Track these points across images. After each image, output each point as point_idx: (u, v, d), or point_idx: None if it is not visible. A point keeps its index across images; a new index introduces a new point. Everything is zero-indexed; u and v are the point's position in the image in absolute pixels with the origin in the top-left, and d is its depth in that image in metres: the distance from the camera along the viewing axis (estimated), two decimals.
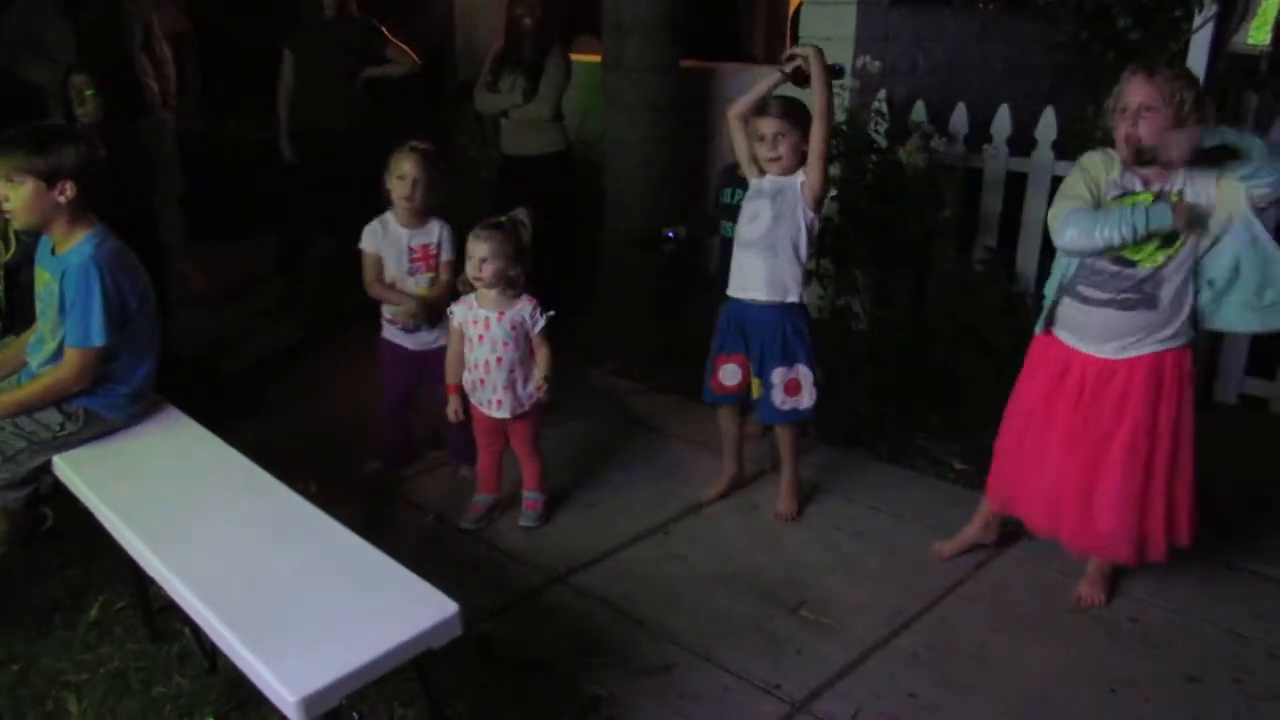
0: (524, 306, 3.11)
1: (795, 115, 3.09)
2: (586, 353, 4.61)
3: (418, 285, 3.43)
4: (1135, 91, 2.58)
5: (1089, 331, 2.73)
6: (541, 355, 3.16)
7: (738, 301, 3.24)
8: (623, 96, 4.72)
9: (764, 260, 3.13)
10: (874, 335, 4.49)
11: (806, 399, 3.22)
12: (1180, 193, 2.58)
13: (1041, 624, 2.83)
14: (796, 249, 3.13)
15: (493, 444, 3.30)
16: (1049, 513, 2.87)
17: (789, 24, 7.23)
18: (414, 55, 5.17)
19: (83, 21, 4.47)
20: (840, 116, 4.41)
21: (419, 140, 3.40)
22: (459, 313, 3.16)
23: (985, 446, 3.06)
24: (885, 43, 4.75)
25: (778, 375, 3.18)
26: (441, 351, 3.31)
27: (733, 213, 3.38)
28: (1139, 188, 2.65)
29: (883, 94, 4.53)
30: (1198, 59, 3.68)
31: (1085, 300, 2.72)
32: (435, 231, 3.44)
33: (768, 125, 3.08)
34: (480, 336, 3.12)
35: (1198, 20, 3.67)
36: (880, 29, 4.74)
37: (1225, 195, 2.54)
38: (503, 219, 3.10)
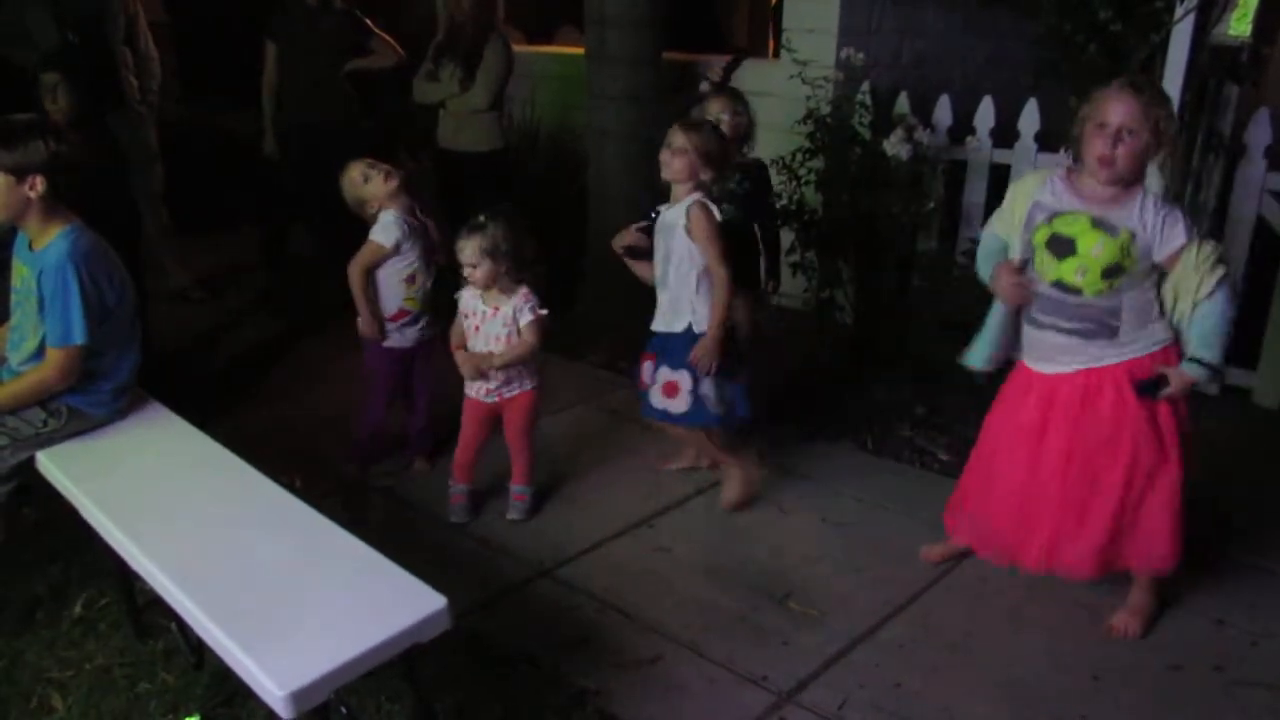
0: (516, 300, 3.09)
1: (702, 140, 3.04)
2: (573, 346, 4.60)
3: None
4: (1119, 110, 2.37)
5: (1055, 356, 2.62)
6: (518, 343, 3.09)
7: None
8: (605, 88, 4.71)
9: (666, 295, 3.15)
10: (858, 327, 4.51)
11: (679, 405, 3.13)
12: (1133, 235, 2.42)
13: (1024, 613, 2.85)
14: (688, 283, 3.08)
15: (478, 434, 3.28)
16: (1026, 539, 2.72)
17: (771, 16, 7.22)
18: (398, 48, 5.14)
19: (65, 10, 4.43)
20: (824, 109, 4.43)
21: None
22: (464, 299, 3.17)
23: (969, 437, 3.05)
24: (868, 35, 4.77)
25: (661, 374, 3.14)
26: (423, 343, 3.50)
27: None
28: (1079, 207, 2.48)
29: (866, 86, 4.54)
30: (1179, 50, 3.70)
31: (1040, 326, 2.61)
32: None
33: (675, 137, 3.05)
34: (476, 327, 3.13)
35: (1179, 11, 3.68)
36: (864, 21, 4.76)
37: (1181, 273, 2.45)
38: (482, 217, 3.05)
